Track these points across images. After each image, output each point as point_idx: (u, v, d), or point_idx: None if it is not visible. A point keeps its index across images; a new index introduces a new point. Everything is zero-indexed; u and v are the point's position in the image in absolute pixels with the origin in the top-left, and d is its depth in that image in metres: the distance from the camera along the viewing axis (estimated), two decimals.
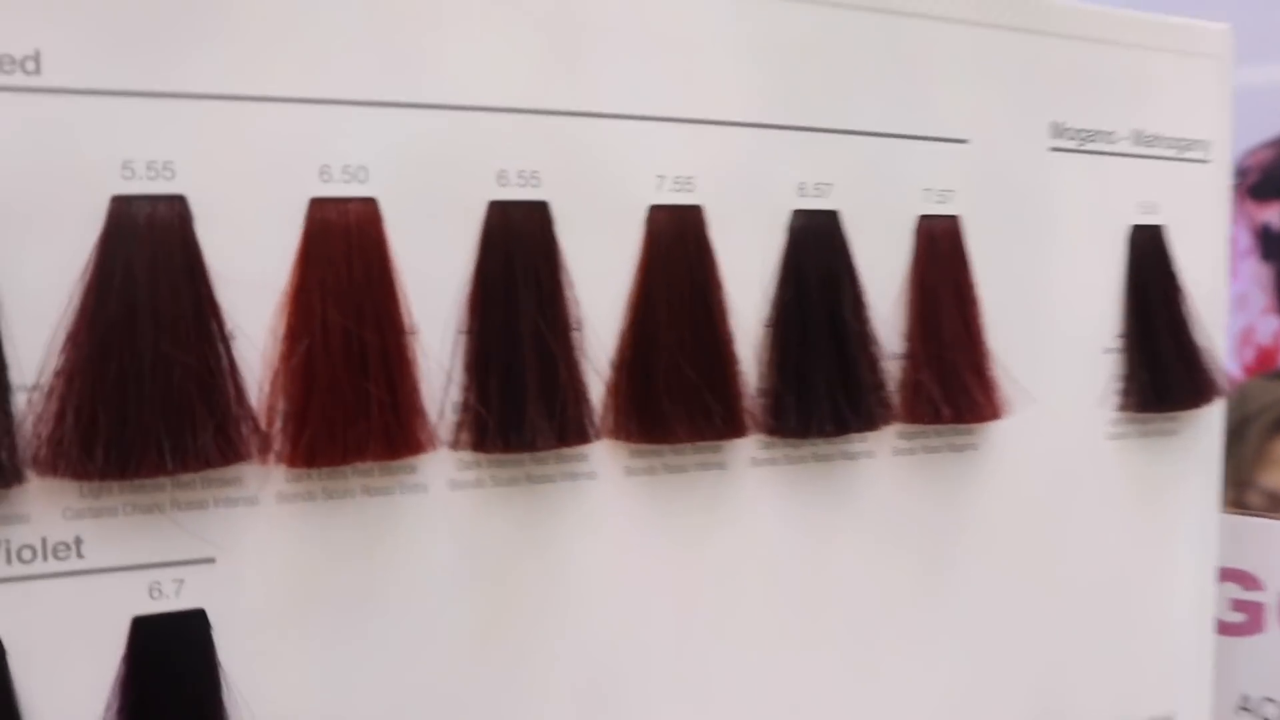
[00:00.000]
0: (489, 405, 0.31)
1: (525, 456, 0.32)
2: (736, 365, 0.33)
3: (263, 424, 0.29)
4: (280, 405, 0.29)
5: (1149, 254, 0.41)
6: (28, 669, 0.27)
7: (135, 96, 0.28)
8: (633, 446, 0.33)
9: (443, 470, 0.31)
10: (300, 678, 0.30)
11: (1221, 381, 0.42)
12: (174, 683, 0.29)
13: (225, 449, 0.28)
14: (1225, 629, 0.47)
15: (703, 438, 0.33)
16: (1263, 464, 0.42)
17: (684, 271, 0.33)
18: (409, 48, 0.30)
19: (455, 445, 0.31)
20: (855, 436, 0.36)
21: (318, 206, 0.29)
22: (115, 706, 0.28)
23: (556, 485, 0.32)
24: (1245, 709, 0.47)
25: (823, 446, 0.36)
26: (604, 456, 0.33)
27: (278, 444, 0.29)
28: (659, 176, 0.33)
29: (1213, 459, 0.44)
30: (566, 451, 0.32)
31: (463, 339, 0.31)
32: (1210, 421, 0.43)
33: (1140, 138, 0.41)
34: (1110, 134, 0.41)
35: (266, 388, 0.29)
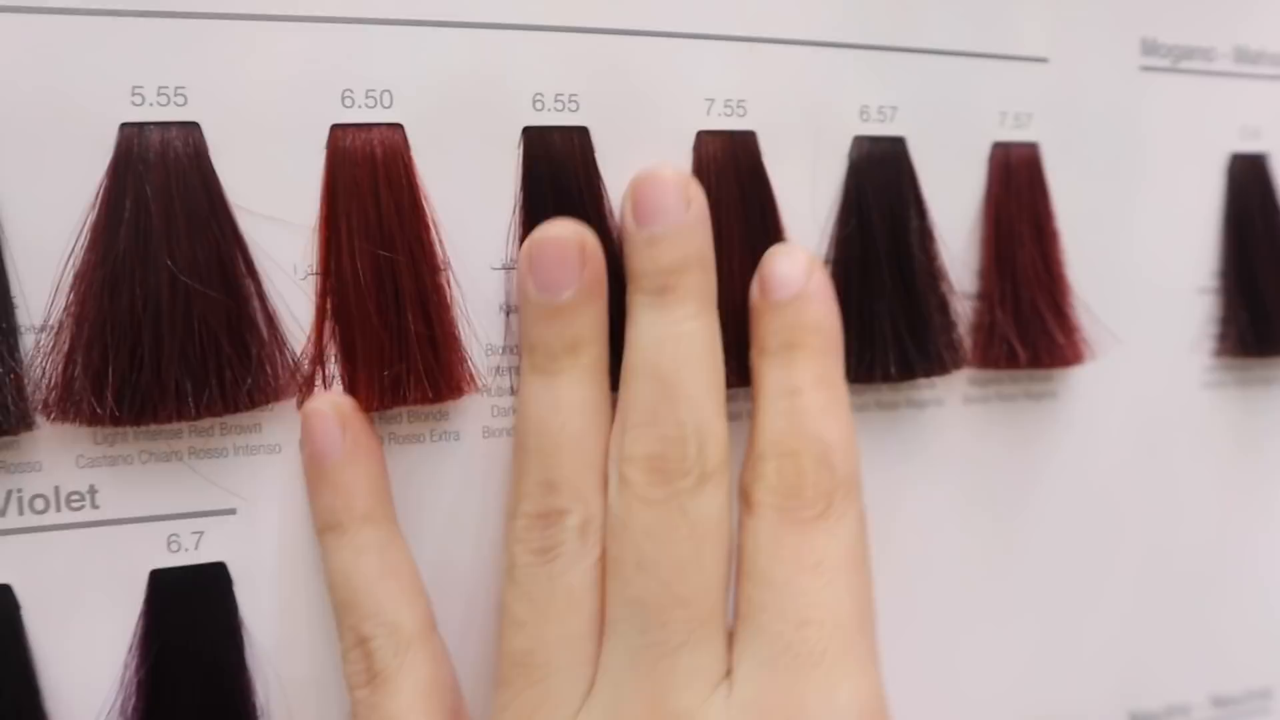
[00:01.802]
0: None
1: None
2: None
3: (303, 366, 0.27)
4: (320, 346, 0.28)
5: (1251, 184, 0.38)
6: (43, 625, 0.27)
7: (145, 17, 0.26)
8: None
9: (477, 417, 0.29)
10: (325, 633, 0.28)
11: None
12: (194, 638, 0.28)
13: (257, 391, 0.27)
14: None
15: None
16: None
17: (736, 202, 0.31)
18: None
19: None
20: (923, 382, 0.34)
21: (340, 133, 0.28)
22: (134, 664, 0.27)
23: None
24: None
25: (887, 393, 0.34)
26: None
27: (320, 388, 0.28)
28: (708, 100, 0.31)
29: None
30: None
31: (509, 276, 0.29)
32: None
33: (1243, 54, 0.38)
34: (1208, 51, 0.37)
35: (304, 327, 0.28)
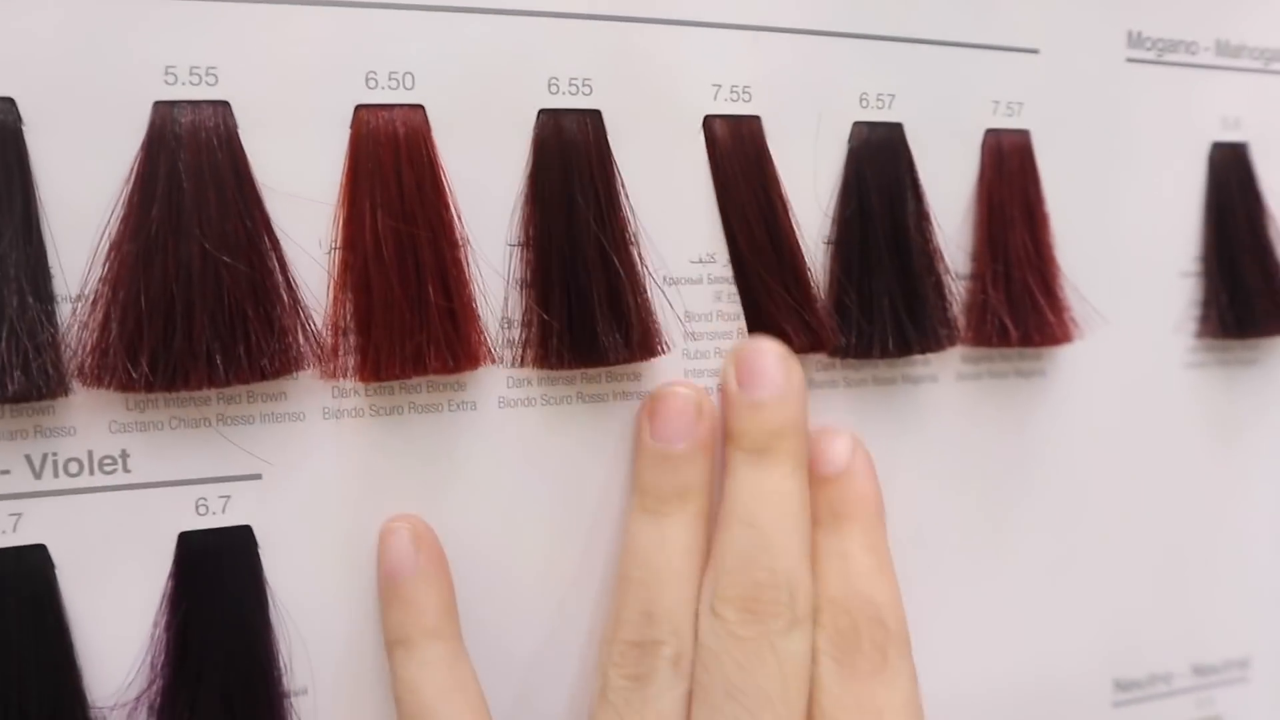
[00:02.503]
0: (556, 320, 0.30)
1: (576, 374, 0.31)
2: (809, 280, 0.33)
3: (324, 336, 0.28)
4: (342, 318, 0.29)
5: (1231, 173, 0.39)
6: (76, 583, 0.28)
7: None
8: (689, 364, 0.32)
9: (493, 388, 0.31)
10: (346, 594, 0.30)
11: None
12: (221, 598, 0.29)
13: (282, 360, 0.28)
14: None
15: None
16: None
17: (742, 184, 0.32)
18: None
19: (524, 362, 0.30)
20: (918, 359, 0.35)
21: (364, 113, 0.29)
22: (163, 622, 0.28)
23: (609, 405, 0.32)
24: None
25: (884, 369, 0.35)
26: (659, 375, 0.32)
27: (342, 357, 0.29)
28: (715, 85, 0.32)
29: None
30: (621, 369, 0.31)
31: (519, 251, 0.30)
32: None
33: (1224, 48, 0.39)
34: (1191, 44, 0.39)
35: (326, 299, 0.29)
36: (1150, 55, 0.38)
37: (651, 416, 0.30)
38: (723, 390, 0.31)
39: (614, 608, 0.30)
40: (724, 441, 0.31)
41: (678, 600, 0.29)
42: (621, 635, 0.29)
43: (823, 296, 0.33)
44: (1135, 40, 0.38)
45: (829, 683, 0.29)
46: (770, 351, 0.31)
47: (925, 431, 0.36)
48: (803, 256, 0.32)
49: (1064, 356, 0.37)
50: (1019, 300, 0.35)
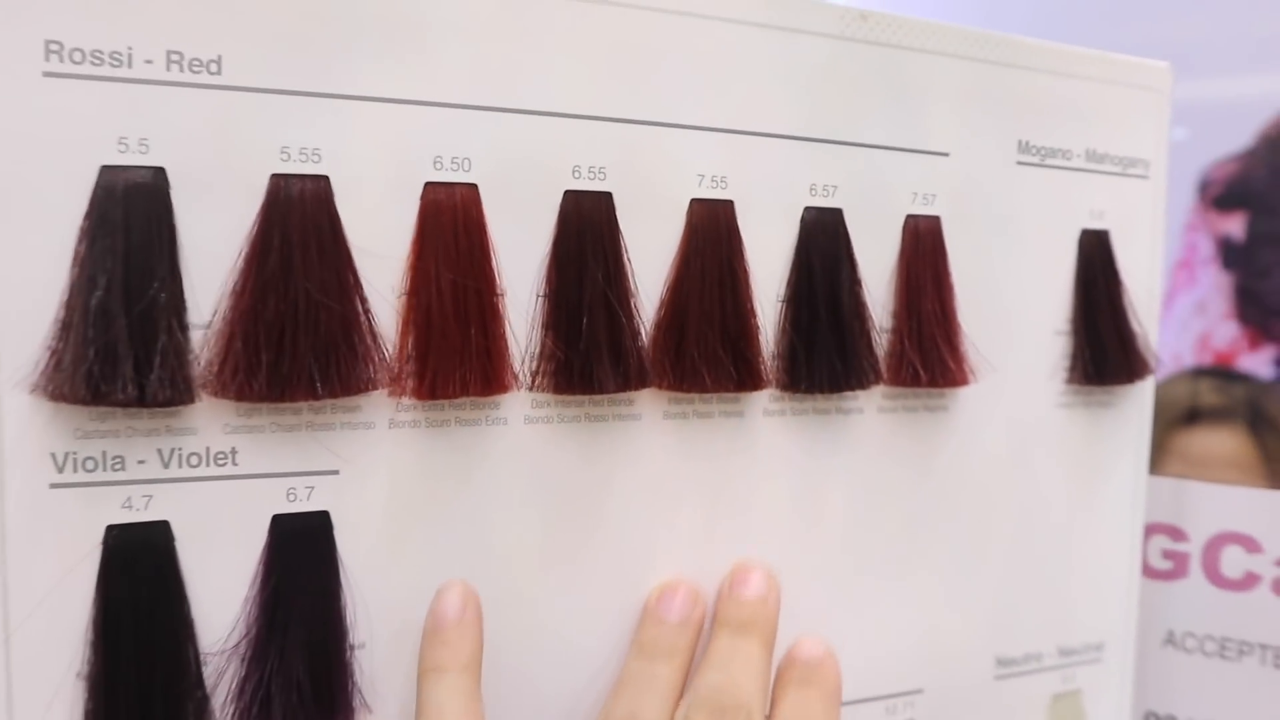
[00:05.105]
0: (568, 354, 0.37)
1: (585, 399, 0.38)
2: (756, 331, 0.40)
3: (393, 363, 0.35)
4: (407, 349, 0.35)
5: (1096, 254, 0.47)
6: (192, 553, 0.34)
7: (293, 95, 0.34)
8: (671, 394, 0.40)
9: (520, 408, 0.38)
10: (400, 568, 0.36)
11: (1151, 362, 0.49)
12: (303, 569, 0.35)
13: (362, 380, 0.34)
14: (1155, 574, 0.54)
15: (726, 390, 0.40)
16: (1162, 457, 0.48)
17: (714, 252, 0.40)
18: (507, 64, 0.37)
19: (540, 388, 0.38)
20: (849, 394, 0.43)
21: (431, 189, 0.36)
22: (258, 585, 0.35)
23: (609, 424, 0.39)
24: (1170, 642, 0.55)
25: (822, 401, 0.42)
26: (648, 402, 0.40)
27: (406, 380, 0.35)
28: (699, 175, 0.39)
29: (1143, 428, 0.50)
30: (618, 396, 0.39)
31: (544, 301, 0.38)
32: (1142, 396, 0.50)
33: (1092, 155, 0.47)
34: (1067, 151, 0.46)
35: (395, 334, 0.35)
36: (1035, 159, 0.46)
37: (660, 594, 0.40)
38: (720, 590, 0.40)
39: (604, 710, 0.38)
40: (713, 625, 0.40)
41: (658, 712, 0.37)
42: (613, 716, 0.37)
43: (771, 344, 0.41)
44: (1024, 148, 0.45)
45: None
46: (756, 568, 0.40)
47: (854, 453, 0.43)
48: (750, 312, 0.40)
49: (962, 396, 0.45)
50: (928, 350, 0.43)
